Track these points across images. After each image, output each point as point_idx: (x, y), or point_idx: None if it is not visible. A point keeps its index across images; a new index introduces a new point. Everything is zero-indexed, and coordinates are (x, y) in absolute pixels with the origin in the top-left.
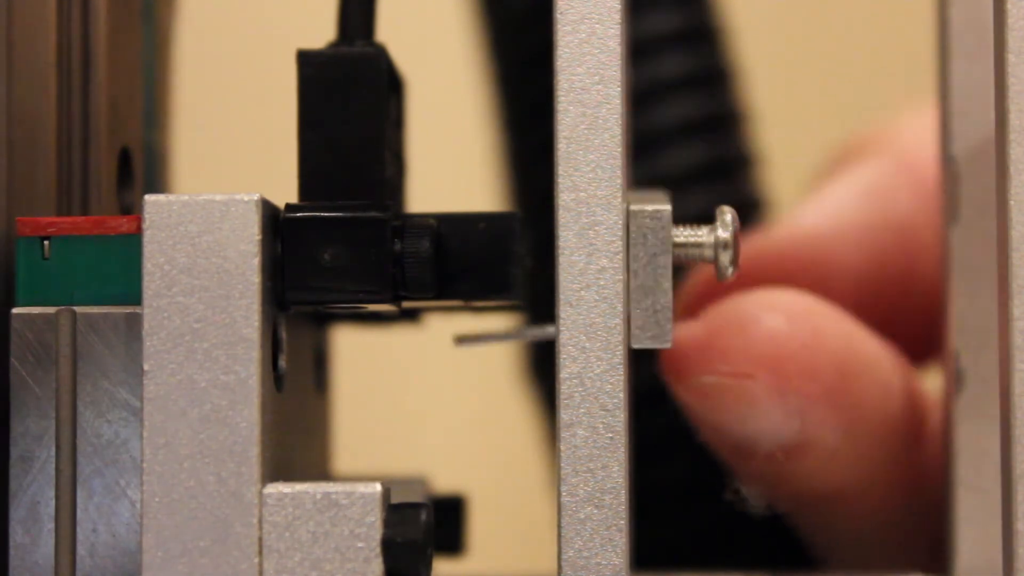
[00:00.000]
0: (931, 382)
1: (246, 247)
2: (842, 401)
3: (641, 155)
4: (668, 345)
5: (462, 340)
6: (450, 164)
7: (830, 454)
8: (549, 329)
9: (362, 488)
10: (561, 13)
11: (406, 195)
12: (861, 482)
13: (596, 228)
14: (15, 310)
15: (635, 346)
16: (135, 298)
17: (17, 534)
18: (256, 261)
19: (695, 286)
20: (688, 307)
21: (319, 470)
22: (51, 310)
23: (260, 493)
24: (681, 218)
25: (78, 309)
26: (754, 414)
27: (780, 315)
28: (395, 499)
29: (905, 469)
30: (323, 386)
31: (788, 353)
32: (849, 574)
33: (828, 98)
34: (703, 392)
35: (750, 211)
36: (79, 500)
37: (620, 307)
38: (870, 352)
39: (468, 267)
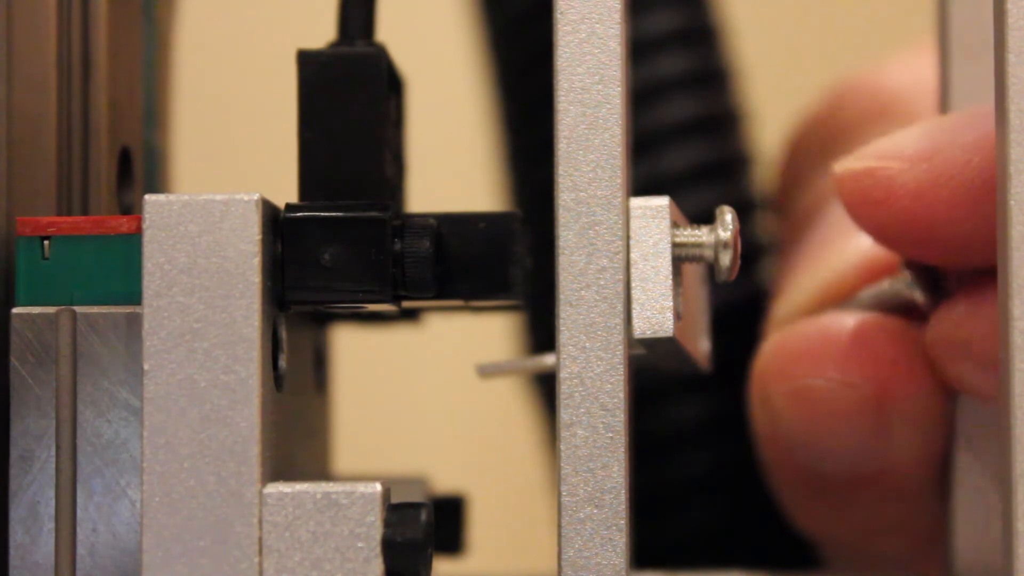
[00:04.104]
0: None
1: (246, 247)
2: (934, 431)
3: (641, 155)
4: (670, 334)
5: (484, 370)
6: (450, 164)
7: (900, 486)
8: None
9: (362, 488)
10: (561, 13)
11: (406, 195)
12: (914, 520)
13: (596, 228)
14: (15, 310)
15: (636, 336)
16: (135, 298)
17: (17, 534)
18: (256, 261)
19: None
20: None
21: (319, 470)
22: (51, 310)
23: (260, 493)
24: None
25: (78, 309)
26: (849, 426)
27: (899, 342)
28: (395, 499)
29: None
30: (323, 386)
31: (900, 374)
32: (849, 574)
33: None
34: (802, 395)
35: (750, 211)
36: (79, 500)
37: (620, 307)
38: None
39: (468, 267)
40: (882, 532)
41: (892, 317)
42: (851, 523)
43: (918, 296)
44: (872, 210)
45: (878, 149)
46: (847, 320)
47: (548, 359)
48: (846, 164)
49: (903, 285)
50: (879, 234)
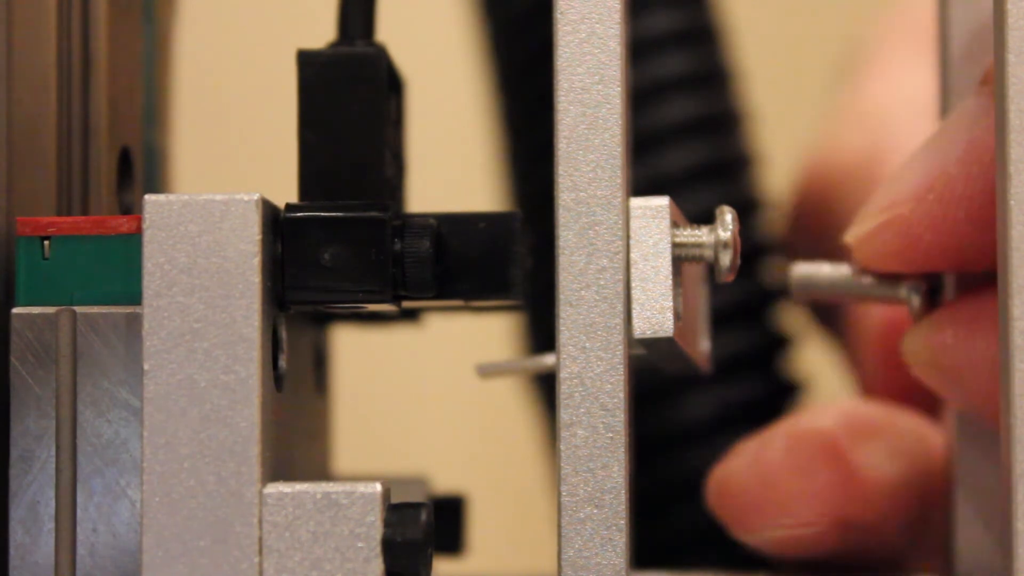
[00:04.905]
0: None
1: (246, 247)
2: (900, 521)
3: (641, 155)
4: (669, 334)
5: (483, 370)
6: (450, 164)
7: (885, 549)
8: None
9: (362, 488)
10: (561, 13)
11: (406, 195)
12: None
13: (596, 228)
14: (15, 310)
15: (636, 336)
16: (135, 298)
17: (17, 534)
18: (256, 261)
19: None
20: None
21: (319, 470)
22: (51, 310)
23: (260, 493)
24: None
25: (78, 309)
26: (819, 546)
27: (837, 465)
28: (395, 499)
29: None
30: (323, 386)
31: (848, 498)
32: (850, 574)
33: (828, 99)
34: (765, 538)
35: (750, 211)
36: (79, 500)
37: (620, 307)
38: (922, 448)
39: (468, 267)
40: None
41: (822, 431)
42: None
43: (914, 303)
44: (899, 260)
45: (880, 203)
46: (782, 457)
47: (548, 359)
48: (855, 231)
49: (902, 290)
50: (911, 271)
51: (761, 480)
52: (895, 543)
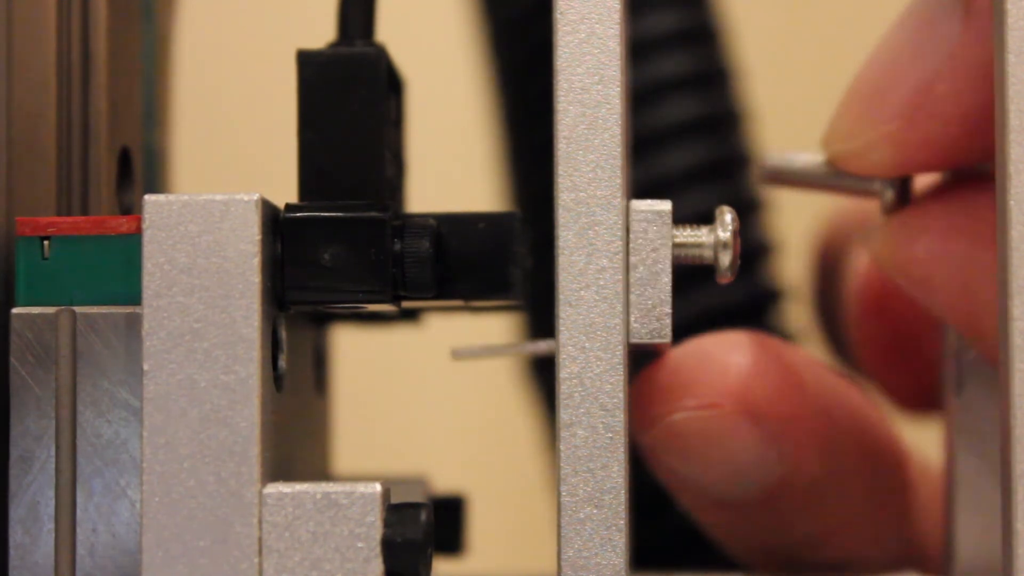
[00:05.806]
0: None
1: (246, 247)
2: (817, 426)
3: (641, 155)
4: (668, 340)
5: (458, 353)
6: (450, 164)
7: (812, 485)
8: (542, 344)
9: (362, 488)
10: (561, 13)
11: (406, 195)
12: (843, 523)
13: (596, 228)
14: (15, 310)
15: (633, 341)
16: (135, 298)
17: (17, 534)
18: (256, 261)
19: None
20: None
21: (319, 470)
22: (51, 310)
23: (260, 493)
24: (681, 218)
25: (78, 309)
26: (729, 448)
27: (743, 351)
28: (395, 499)
29: (888, 515)
30: (323, 386)
31: (755, 381)
32: (847, 575)
33: (828, 98)
34: (673, 433)
35: (750, 211)
36: (79, 500)
37: (620, 307)
38: (841, 385)
39: (468, 267)
40: (808, 544)
41: (736, 333)
42: (773, 538)
43: (887, 196)
44: (890, 170)
45: (866, 116)
46: (687, 348)
47: (524, 346)
48: (844, 146)
49: (876, 184)
50: (899, 175)
51: (667, 370)
52: (809, 469)
